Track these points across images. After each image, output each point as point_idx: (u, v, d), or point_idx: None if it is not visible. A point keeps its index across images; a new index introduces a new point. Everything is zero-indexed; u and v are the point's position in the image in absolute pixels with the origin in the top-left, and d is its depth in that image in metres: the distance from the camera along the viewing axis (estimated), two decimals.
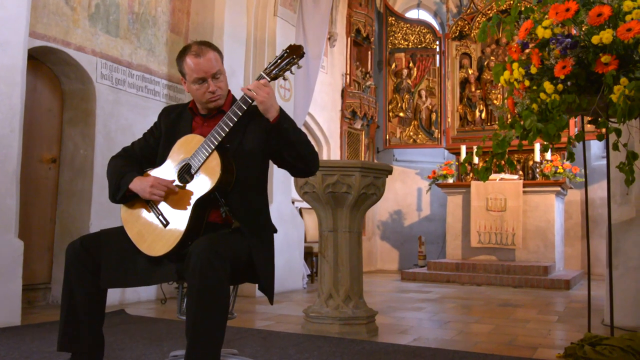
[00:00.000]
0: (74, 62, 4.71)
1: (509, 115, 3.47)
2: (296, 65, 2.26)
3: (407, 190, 10.15)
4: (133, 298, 5.07)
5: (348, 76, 9.19)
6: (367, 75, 9.58)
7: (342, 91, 9.11)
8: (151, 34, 5.41)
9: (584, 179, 8.27)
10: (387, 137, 9.72)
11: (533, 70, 3.00)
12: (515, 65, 3.11)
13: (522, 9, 3.35)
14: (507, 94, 3.32)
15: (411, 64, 9.75)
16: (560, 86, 2.84)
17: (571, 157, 2.87)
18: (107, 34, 4.96)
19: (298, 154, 2.29)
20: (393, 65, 9.82)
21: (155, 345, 3.19)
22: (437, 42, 9.64)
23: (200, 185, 2.21)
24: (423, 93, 9.65)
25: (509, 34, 3.26)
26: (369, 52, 9.75)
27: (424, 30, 9.76)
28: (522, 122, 3.19)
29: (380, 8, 10.08)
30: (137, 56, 5.25)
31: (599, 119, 3.15)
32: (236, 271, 2.19)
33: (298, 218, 6.55)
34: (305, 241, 6.94)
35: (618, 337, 3.04)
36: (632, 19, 2.74)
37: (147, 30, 5.36)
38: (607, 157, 3.08)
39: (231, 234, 2.23)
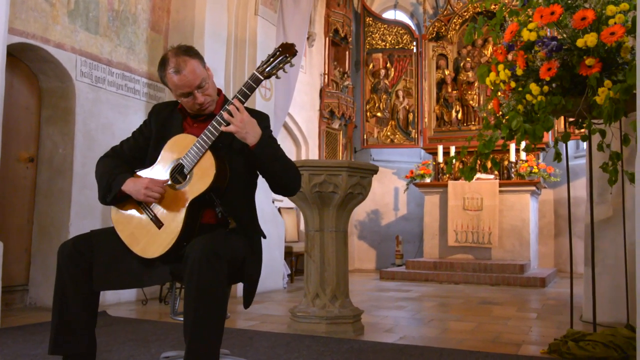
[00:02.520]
0: (53, 59, 4.62)
1: (490, 118, 3.53)
2: (289, 64, 2.24)
3: (384, 189, 10.21)
4: (113, 299, 5.00)
5: (326, 76, 9.21)
6: (345, 75, 9.62)
7: (321, 91, 9.13)
8: (131, 31, 5.34)
9: (558, 179, 8.46)
10: (365, 137, 9.77)
11: (519, 72, 3.06)
12: (500, 66, 3.16)
13: (506, 14, 3.41)
14: (492, 94, 3.38)
15: (388, 65, 9.81)
16: (545, 88, 2.90)
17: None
18: (86, 31, 4.88)
19: (274, 181, 2.29)
20: (370, 66, 9.87)
21: (142, 347, 3.16)
22: (414, 43, 9.73)
23: (194, 185, 2.18)
24: (400, 93, 9.72)
25: (495, 36, 3.31)
26: (347, 52, 9.78)
27: (401, 31, 9.84)
28: (505, 122, 3.26)
29: (357, 8, 10.12)
30: (117, 54, 5.18)
31: (580, 120, 3.24)
32: (232, 271, 2.18)
33: (279, 217, 6.55)
34: (285, 241, 6.94)
35: (600, 333, 3.12)
36: (615, 23, 2.81)
37: (127, 27, 5.29)
38: (590, 157, 3.16)
39: (228, 233, 2.23)
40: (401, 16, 10.93)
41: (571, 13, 3.01)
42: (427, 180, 8.85)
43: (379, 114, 9.79)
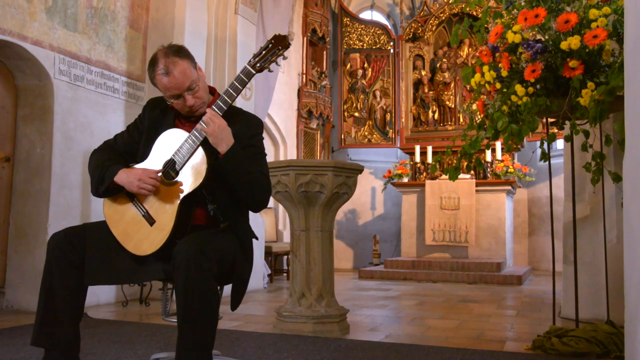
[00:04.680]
0: (31, 56, 4.52)
1: (476, 117, 3.60)
2: (282, 57, 2.20)
3: (361, 189, 10.24)
4: (92, 301, 4.91)
5: (304, 76, 9.21)
6: (323, 75, 9.63)
7: (299, 90, 9.12)
8: (110, 29, 5.25)
9: (533, 179, 8.59)
10: (342, 137, 9.80)
11: (503, 73, 3.11)
12: (485, 68, 3.21)
13: (490, 18, 3.47)
14: (475, 95, 3.43)
15: (366, 65, 9.87)
16: (530, 89, 2.96)
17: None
18: (65, 28, 4.78)
19: (237, 194, 2.23)
20: (348, 66, 9.91)
21: (128, 349, 3.12)
22: (391, 44, 9.80)
23: (187, 182, 2.16)
24: (377, 93, 9.79)
25: (480, 37, 3.36)
26: (325, 52, 9.80)
27: (378, 32, 9.90)
28: (488, 123, 3.31)
29: (335, 8, 10.14)
30: (96, 52, 5.09)
31: (560, 121, 3.31)
32: (222, 272, 2.16)
33: (259, 217, 6.53)
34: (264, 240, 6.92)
35: (582, 329, 3.19)
36: (597, 27, 2.88)
37: (105, 25, 5.20)
38: (572, 157, 3.23)
39: (218, 233, 2.20)
40: (378, 17, 11.00)
41: (554, 16, 3.08)
42: (405, 179, 8.93)
43: (356, 114, 9.84)
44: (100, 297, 5.02)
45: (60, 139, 4.71)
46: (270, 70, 2.21)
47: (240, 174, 2.17)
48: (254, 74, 2.17)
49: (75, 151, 4.80)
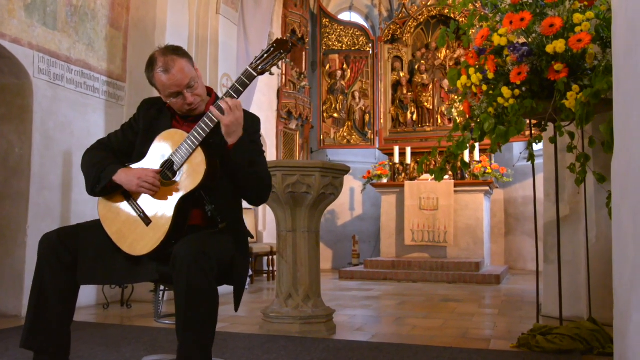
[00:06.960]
0: (9, 54, 4.43)
1: (458, 117, 3.65)
2: (283, 60, 2.23)
3: None
4: None
5: (284, 76, 9.19)
6: (302, 76, 9.64)
7: (278, 91, 9.11)
8: (90, 28, 5.17)
9: (510, 179, 8.69)
10: (322, 138, 9.82)
11: (490, 75, 3.16)
12: (472, 70, 3.26)
13: (476, 21, 3.52)
14: (462, 97, 3.48)
15: (345, 66, 9.90)
16: (517, 91, 3.01)
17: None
18: (44, 26, 4.70)
19: (238, 186, 2.24)
20: (327, 67, 9.93)
21: (114, 352, 3.08)
22: (370, 45, 9.86)
23: (185, 182, 2.15)
24: (357, 94, 9.83)
25: (466, 40, 3.40)
26: (304, 53, 9.80)
27: (357, 33, 9.94)
28: (474, 125, 3.36)
29: (314, 9, 10.16)
30: (76, 51, 5.01)
31: (543, 122, 3.37)
32: (221, 272, 2.16)
33: None
34: None
35: (565, 326, 3.26)
36: (581, 31, 2.95)
37: (86, 24, 5.13)
38: (556, 158, 3.29)
39: (216, 234, 2.20)
40: (356, 18, 11.06)
41: (539, 20, 3.14)
42: (384, 180, 8.98)
43: (335, 115, 9.86)
44: (81, 299, 4.90)
45: (40, 139, 4.62)
46: (271, 74, 2.22)
47: (247, 166, 2.18)
48: (256, 77, 2.16)
49: (55, 151, 4.72)
